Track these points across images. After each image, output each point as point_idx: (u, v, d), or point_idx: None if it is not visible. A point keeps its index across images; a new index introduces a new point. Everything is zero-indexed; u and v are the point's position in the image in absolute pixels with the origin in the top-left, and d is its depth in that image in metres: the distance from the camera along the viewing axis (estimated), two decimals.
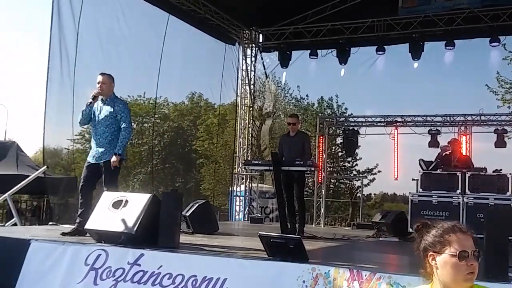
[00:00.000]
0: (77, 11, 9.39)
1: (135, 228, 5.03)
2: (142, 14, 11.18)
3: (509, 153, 18.49)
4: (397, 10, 12.15)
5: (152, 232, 5.07)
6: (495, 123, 12.11)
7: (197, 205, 7.97)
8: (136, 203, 5.24)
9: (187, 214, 7.68)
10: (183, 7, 11.61)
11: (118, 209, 5.24)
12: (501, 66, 17.85)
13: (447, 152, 10.34)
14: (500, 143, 11.91)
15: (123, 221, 5.12)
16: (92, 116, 6.25)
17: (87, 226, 5.34)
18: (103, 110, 6.20)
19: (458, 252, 2.03)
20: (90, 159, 6.22)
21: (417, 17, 11.98)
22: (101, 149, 6.12)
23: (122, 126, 6.12)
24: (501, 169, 9.24)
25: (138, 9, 10.81)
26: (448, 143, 10.61)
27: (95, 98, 6.14)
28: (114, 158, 6.00)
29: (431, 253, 2.11)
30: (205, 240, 6.40)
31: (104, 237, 5.15)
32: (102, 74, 6.27)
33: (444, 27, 11.83)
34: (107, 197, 5.47)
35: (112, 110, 6.16)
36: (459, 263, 2.03)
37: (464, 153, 11.11)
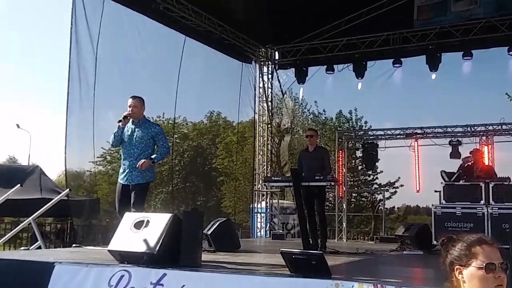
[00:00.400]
0: (95, 35, 9.56)
1: (157, 248, 5.05)
2: (159, 36, 11.37)
3: None
4: (413, 23, 12.13)
5: (174, 252, 5.09)
6: None
7: (218, 223, 7.97)
8: (158, 223, 5.27)
9: (209, 232, 7.68)
10: (199, 28, 11.77)
11: (140, 229, 5.28)
12: None
13: (469, 163, 10.22)
14: None
15: (145, 241, 5.15)
16: (124, 137, 6.32)
17: (109, 247, 5.39)
18: (136, 132, 6.27)
19: (484, 265, 2.00)
20: (122, 180, 6.27)
21: (433, 28, 11.94)
22: (134, 172, 6.18)
23: (163, 145, 6.33)
24: None
25: (154, 31, 11.00)
26: (470, 153, 10.51)
27: (125, 118, 6.22)
28: (143, 161, 6.09)
29: (457, 266, 2.08)
30: (227, 258, 6.38)
31: (127, 258, 5.18)
32: (133, 97, 6.32)
33: (460, 38, 11.77)
34: (129, 218, 5.52)
35: (146, 133, 6.25)
36: (486, 275, 2.00)
37: (486, 163, 10.97)
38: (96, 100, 9.48)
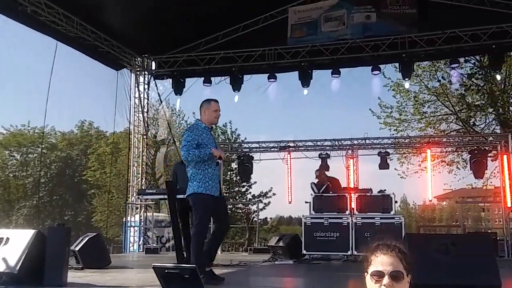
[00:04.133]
0: None
1: (18, 267, 4.71)
2: (29, 40, 10.68)
3: (392, 174, 19.85)
4: (286, 40, 12.65)
5: (38, 271, 4.78)
6: (378, 146, 12.88)
7: (87, 238, 7.60)
8: (19, 240, 4.90)
9: (77, 248, 7.31)
10: (70, 33, 11.19)
11: None
12: (382, 92, 19.24)
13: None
14: (384, 164, 12.68)
15: (4, 260, 4.77)
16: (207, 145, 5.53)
17: None
18: (215, 141, 5.75)
19: (370, 272, 2.05)
20: (215, 193, 5.49)
21: (305, 46, 12.53)
22: (219, 183, 5.64)
23: None
24: (385, 190, 9.81)
25: (28, 38, 10.32)
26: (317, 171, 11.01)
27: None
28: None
29: (365, 273, 2.13)
30: (95, 276, 6.09)
31: None
32: (217, 101, 5.72)
33: (330, 56, 12.47)
34: None
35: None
36: (371, 283, 2.05)
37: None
38: None
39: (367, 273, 2.09)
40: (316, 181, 10.61)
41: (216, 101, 5.72)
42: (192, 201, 5.50)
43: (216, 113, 5.65)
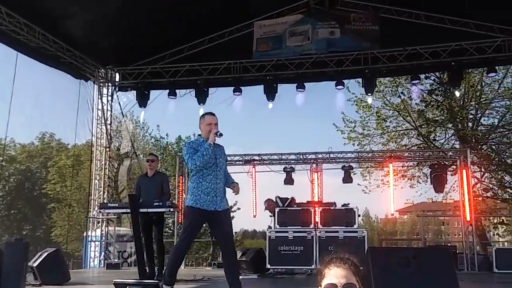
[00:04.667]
0: None
1: None
2: None
3: (355, 188, 20.08)
4: (252, 54, 12.71)
5: None
6: (342, 160, 13.01)
7: (46, 253, 7.37)
8: None
9: (35, 264, 7.08)
10: (32, 43, 10.96)
11: None
12: (346, 106, 19.48)
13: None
14: (347, 178, 12.80)
15: None
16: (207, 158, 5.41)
17: None
18: (218, 154, 5.47)
19: (324, 285, 2.05)
20: (206, 206, 5.32)
21: (270, 60, 12.63)
22: (220, 197, 5.41)
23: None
24: (348, 203, 9.91)
25: None
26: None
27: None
28: (236, 184, 5.55)
29: (319, 286, 2.12)
30: None
31: None
32: (214, 114, 5.54)
33: (295, 71, 12.60)
34: None
35: (224, 155, 5.58)
36: None
37: None
38: None
39: (321, 286, 2.09)
40: (280, 195, 10.59)
41: (210, 114, 5.55)
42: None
43: (210, 126, 5.39)
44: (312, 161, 12.94)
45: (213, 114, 5.55)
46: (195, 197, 5.29)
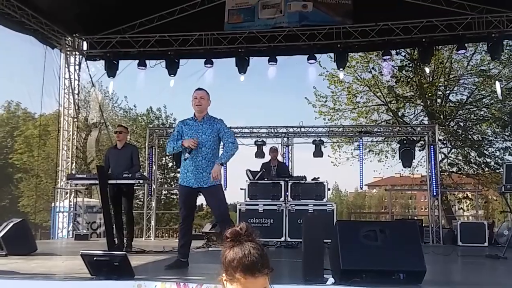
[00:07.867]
0: None
1: None
2: None
3: (326, 162, 20.32)
4: (224, 25, 12.54)
5: None
6: (313, 134, 13.08)
7: (12, 224, 7.30)
8: None
9: (0, 234, 6.98)
10: None
11: None
12: (318, 81, 19.59)
13: (268, 160, 11.01)
14: (318, 153, 12.89)
15: None
16: (184, 136, 5.52)
17: None
18: (201, 130, 5.47)
19: None
20: (189, 183, 5.49)
21: (242, 32, 12.48)
22: (205, 173, 5.43)
23: (230, 142, 5.55)
24: (318, 177, 10.03)
25: None
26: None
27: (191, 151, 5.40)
28: (216, 168, 5.38)
29: (224, 275, 1.88)
30: (20, 263, 5.84)
31: None
32: (199, 89, 5.54)
33: (267, 44, 12.49)
34: None
35: (212, 129, 5.48)
36: None
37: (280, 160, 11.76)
38: None
39: (230, 284, 1.84)
40: (251, 169, 10.63)
41: (197, 89, 5.61)
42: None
43: (195, 100, 5.52)
44: (283, 135, 12.98)
45: (200, 89, 5.61)
46: (182, 175, 5.60)
